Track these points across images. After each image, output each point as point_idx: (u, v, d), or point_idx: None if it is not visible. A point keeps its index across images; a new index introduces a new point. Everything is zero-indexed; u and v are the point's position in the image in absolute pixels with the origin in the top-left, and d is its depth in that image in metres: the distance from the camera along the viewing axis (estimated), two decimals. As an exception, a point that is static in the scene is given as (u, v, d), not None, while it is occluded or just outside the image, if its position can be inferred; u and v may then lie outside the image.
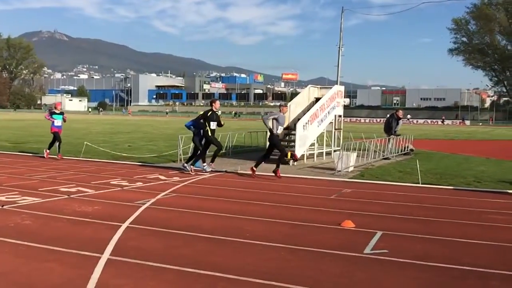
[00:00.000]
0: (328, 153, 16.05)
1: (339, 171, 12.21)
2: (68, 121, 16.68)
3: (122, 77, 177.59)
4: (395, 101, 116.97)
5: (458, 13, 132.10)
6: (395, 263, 4.88)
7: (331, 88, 17.02)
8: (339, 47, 21.38)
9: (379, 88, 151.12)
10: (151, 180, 10.45)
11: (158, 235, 5.80)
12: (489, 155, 18.65)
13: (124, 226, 6.14)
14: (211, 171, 11.91)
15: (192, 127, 12.31)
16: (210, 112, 11.68)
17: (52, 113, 14.58)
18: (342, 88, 17.69)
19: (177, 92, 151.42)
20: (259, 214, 7.12)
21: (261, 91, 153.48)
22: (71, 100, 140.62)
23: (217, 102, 12.16)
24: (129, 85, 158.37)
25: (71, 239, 5.51)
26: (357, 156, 13.60)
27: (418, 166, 11.60)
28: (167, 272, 4.45)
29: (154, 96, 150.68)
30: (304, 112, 15.59)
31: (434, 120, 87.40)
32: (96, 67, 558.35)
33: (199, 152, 11.93)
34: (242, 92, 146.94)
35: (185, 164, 11.96)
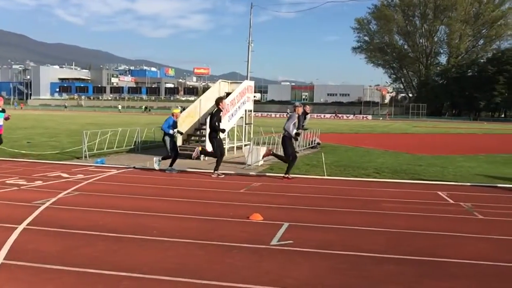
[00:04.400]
0: (239, 148, 16.22)
1: (249, 165, 12.40)
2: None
3: (20, 68, 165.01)
4: (304, 96, 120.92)
5: (361, 13, 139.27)
6: (299, 252, 5.06)
7: (241, 83, 17.19)
8: (249, 43, 21.65)
9: (288, 83, 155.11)
10: (52, 178, 9.86)
11: (58, 236, 5.49)
12: (387, 147, 19.98)
13: (20, 227, 5.73)
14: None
15: (171, 130, 11.49)
16: (220, 113, 11.09)
17: None
18: (252, 83, 17.92)
19: (82, 85, 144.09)
20: (167, 210, 7.01)
21: (172, 85, 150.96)
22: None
23: (224, 101, 11.57)
24: (28, 77, 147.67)
25: (-42, 244, 5.04)
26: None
27: (323, 159, 12.10)
28: (66, 274, 4.23)
29: (57, 90, 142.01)
30: (214, 107, 15.59)
31: (340, 115, 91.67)
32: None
33: (172, 153, 11.43)
34: (153, 86, 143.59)
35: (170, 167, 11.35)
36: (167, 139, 11.45)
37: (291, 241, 5.43)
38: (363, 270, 4.55)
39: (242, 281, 4.17)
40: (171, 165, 11.44)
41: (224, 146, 15.76)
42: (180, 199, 7.99)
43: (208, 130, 11.40)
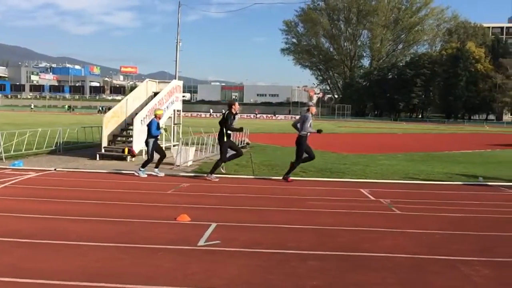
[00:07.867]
0: (167, 148, 15.94)
1: (178, 165, 12.25)
2: None
3: None
4: (234, 97, 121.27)
5: (289, 16, 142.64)
6: (226, 252, 5.07)
7: (169, 82, 16.95)
8: (177, 42, 21.40)
9: (219, 83, 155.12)
10: (-37, 182, 9.15)
11: (-33, 244, 5.10)
12: (314, 147, 20.46)
13: None
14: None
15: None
16: (232, 116, 10.53)
17: None
18: (180, 83, 17.74)
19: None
20: (88, 213, 6.73)
21: (98, 84, 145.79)
22: None
23: (237, 104, 10.92)
24: None
25: None
26: (196, 150, 13.78)
27: (252, 159, 12.23)
28: (-23, 285, 3.95)
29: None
30: (142, 107, 15.26)
31: (269, 115, 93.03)
32: None
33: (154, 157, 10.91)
34: (77, 85, 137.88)
35: (156, 170, 10.79)
36: (151, 141, 10.88)
37: (218, 241, 5.43)
38: (288, 267, 4.64)
39: (169, 283, 4.11)
40: (156, 166, 10.97)
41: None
42: (103, 201, 7.71)
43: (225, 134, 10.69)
